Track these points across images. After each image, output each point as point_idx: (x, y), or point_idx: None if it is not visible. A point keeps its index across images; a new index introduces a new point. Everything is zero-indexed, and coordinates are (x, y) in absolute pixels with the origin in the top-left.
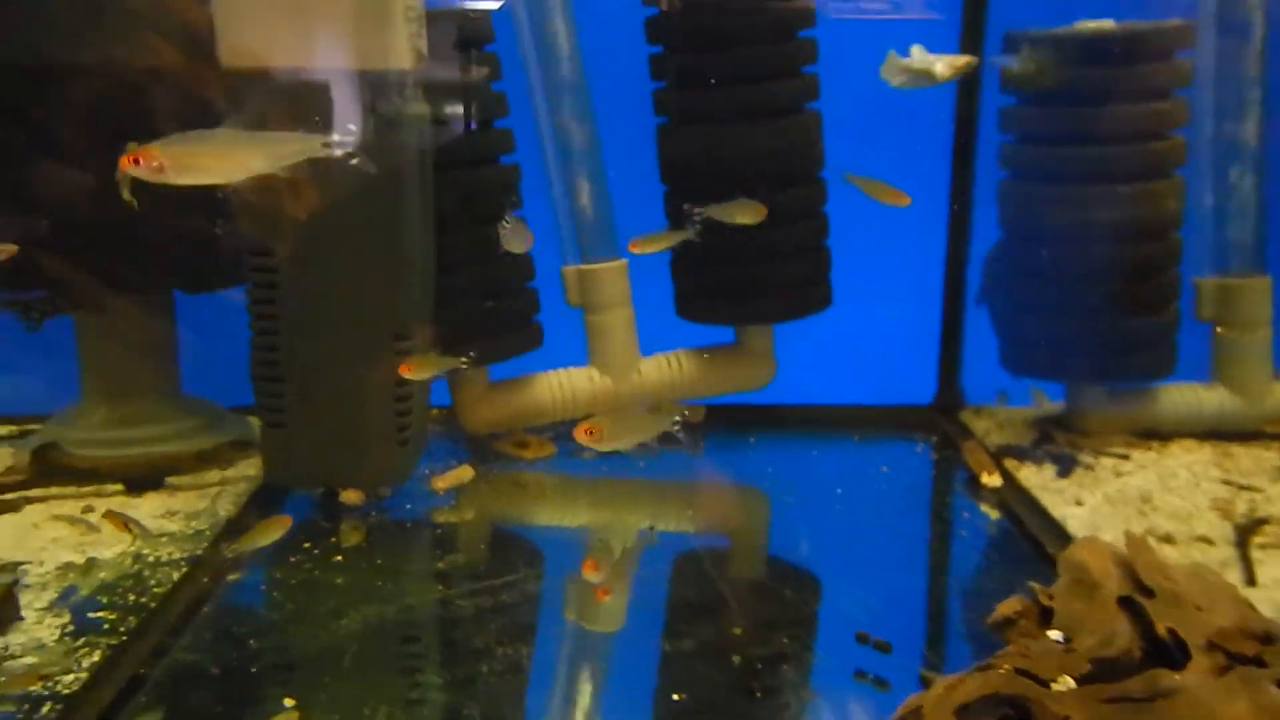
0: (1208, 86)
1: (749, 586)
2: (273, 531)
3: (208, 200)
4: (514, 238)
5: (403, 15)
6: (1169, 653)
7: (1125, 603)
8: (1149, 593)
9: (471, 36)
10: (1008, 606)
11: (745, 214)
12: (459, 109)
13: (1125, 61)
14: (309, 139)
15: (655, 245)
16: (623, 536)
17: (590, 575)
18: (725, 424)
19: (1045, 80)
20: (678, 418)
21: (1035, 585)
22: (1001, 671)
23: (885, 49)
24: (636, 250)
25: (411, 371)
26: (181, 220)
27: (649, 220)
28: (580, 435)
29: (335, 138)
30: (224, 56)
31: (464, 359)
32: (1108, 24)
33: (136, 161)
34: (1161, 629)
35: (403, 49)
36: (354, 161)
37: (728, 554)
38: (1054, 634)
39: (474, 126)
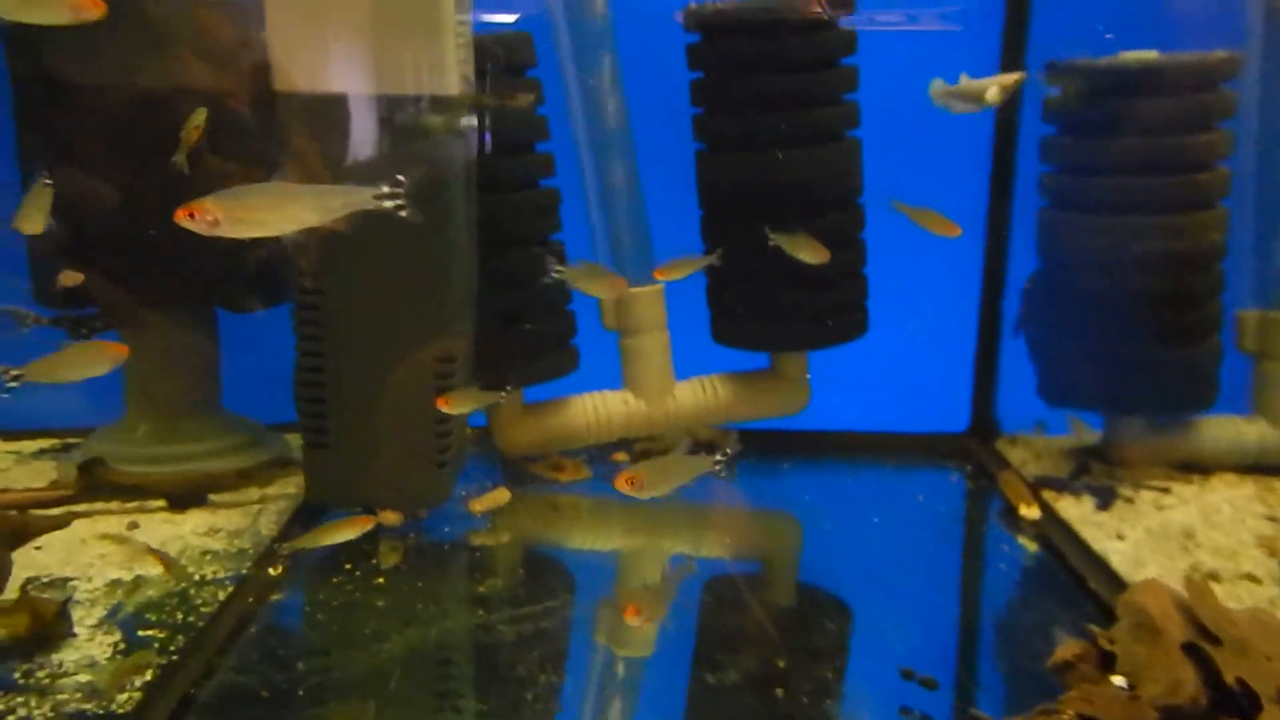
0: (1253, 118)
1: (788, 616)
2: (348, 531)
3: None
4: (589, 279)
5: (453, 41)
6: (1237, 702)
7: (1190, 649)
8: (1214, 639)
9: (516, 61)
10: (1068, 650)
11: (808, 252)
12: (502, 132)
13: (1169, 92)
14: (359, 192)
15: (682, 271)
16: (657, 562)
17: (633, 621)
18: (758, 449)
19: (1089, 110)
20: (719, 457)
21: (1094, 628)
22: (1066, 717)
23: (913, 64)
24: (663, 277)
25: (449, 406)
26: (229, 241)
27: (686, 245)
28: (621, 485)
29: (385, 189)
30: (277, 80)
31: (502, 393)
32: (1151, 55)
33: (191, 215)
34: (1230, 678)
35: (451, 74)
36: (403, 213)
37: (764, 581)
38: (1118, 680)
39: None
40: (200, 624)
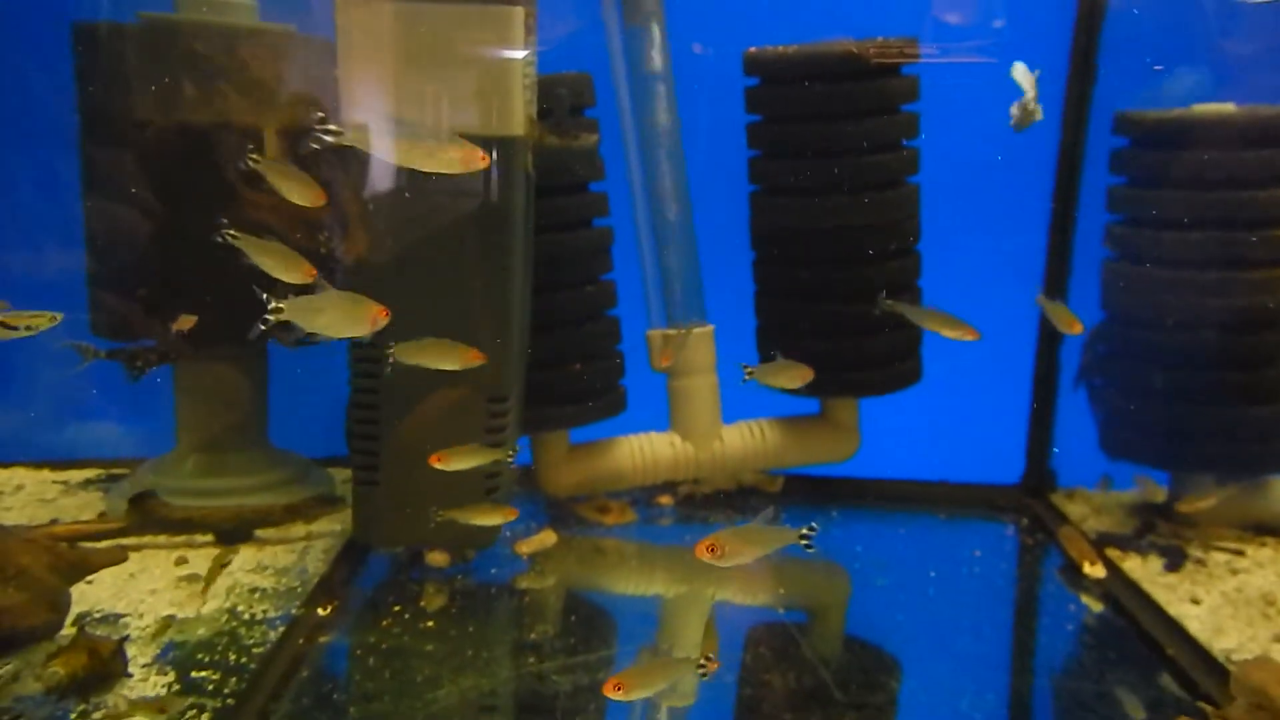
0: None
1: (846, 672)
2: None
3: (308, 258)
4: (782, 374)
5: (520, 83)
6: None
7: None
8: None
9: (577, 102)
10: None
11: (943, 326)
12: (562, 170)
13: (1247, 146)
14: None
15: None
16: (700, 608)
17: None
18: (803, 495)
19: (1160, 162)
20: (805, 531)
21: (1207, 707)
22: None
23: (973, 109)
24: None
25: (443, 462)
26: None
27: (737, 287)
28: (702, 553)
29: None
30: (344, 116)
31: (510, 452)
32: (1228, 107)
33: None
34: None
35: (519, 116)
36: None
37: (820, 635)
38: None
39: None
40: (252, 665)
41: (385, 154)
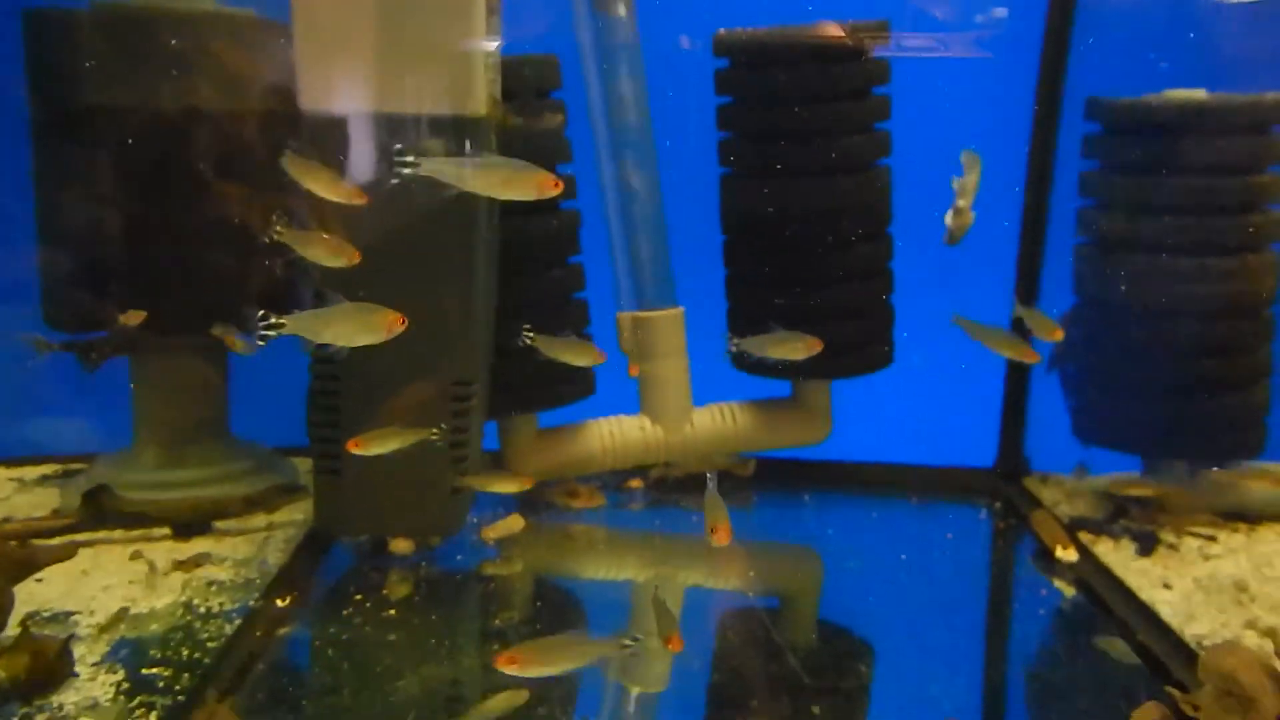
0: None
1: (816, 657)
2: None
3: (267, 242)
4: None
5: (483, 61)
6: None
7: None
8: None
9: (543, 84)
10: (1145, 715)
11: (1009, 350)
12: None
13: (1221, 133)
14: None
15: None
16: (672, 594)
17: (678, 650)
18: (776, 479)
19: (1134, 147)
20: (628, 642)
21: (1175, 692)
22: None
23: (943, 92)
24: None
25: (360, 447)
26: (240, 262)
27: (707, 270)
28: (502, 664)
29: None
30: (303, 99)
31: (434, 431)
32: (1199, 93)
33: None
34: None
35: (480, 95)
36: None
37: (789, 620)
38: None
39: None
40: (206, 660)
41: (461, 183)
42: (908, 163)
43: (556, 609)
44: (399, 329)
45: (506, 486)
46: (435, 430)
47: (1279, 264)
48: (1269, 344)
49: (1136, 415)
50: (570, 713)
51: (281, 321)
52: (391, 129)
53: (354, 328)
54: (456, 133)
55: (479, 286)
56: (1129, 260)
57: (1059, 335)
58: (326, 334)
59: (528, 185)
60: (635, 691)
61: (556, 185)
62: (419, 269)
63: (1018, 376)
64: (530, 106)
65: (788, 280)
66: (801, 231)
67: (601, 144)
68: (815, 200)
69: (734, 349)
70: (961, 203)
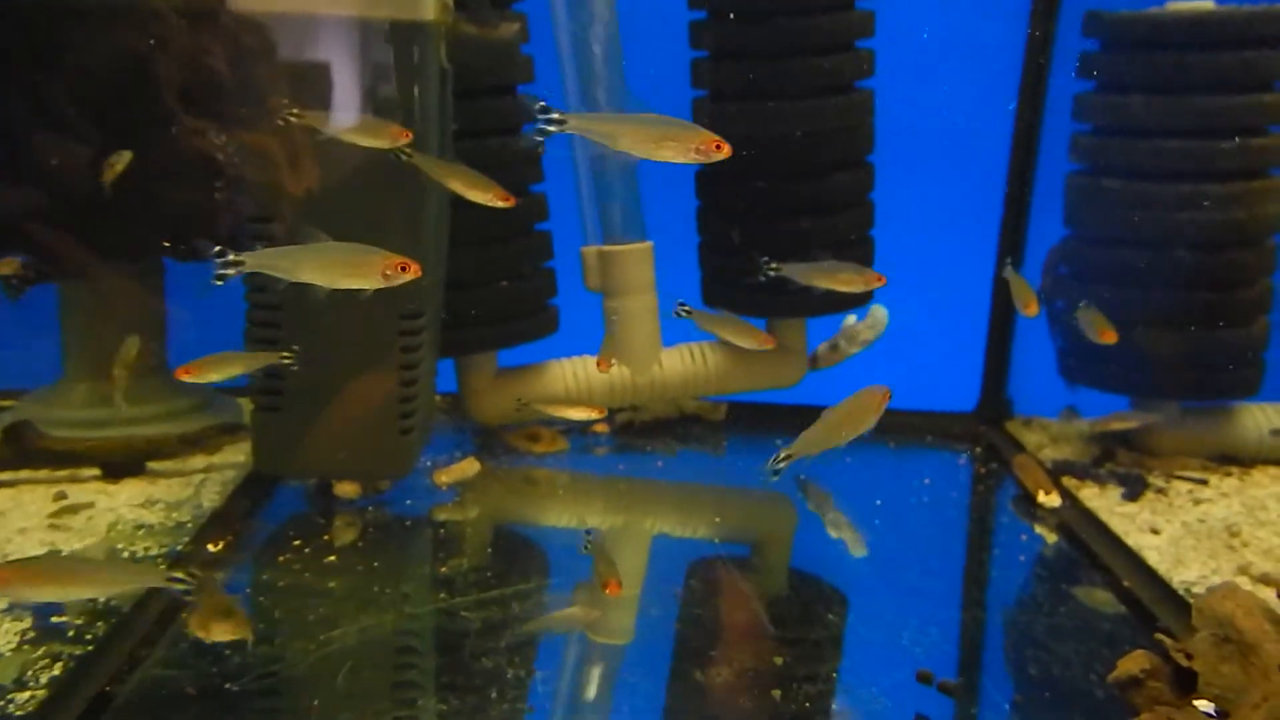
0: None
1: (785, 607)
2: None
3: (202, 165)
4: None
5: None
6: None
7: None
8: None
9: None
10: (1134, 663)
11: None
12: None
13: (1225, 48)
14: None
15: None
16: (640, 541)
17: (616, 594)
18: (747, 423)
19: (1132, 65)
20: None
21: (1166, 639)
22: None
23: (936, 13)
24: None
25: (192, 374)
26: (173, 185)
27: (679, 202)
28: None
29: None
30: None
31: (285, 354)
32: (1206, 5)
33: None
34: None
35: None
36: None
37: (758, 568)
38: (1203, 705)
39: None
40: (124, 608)
41: (610, 142)
42: (894, 87)
43: (509, 555)
44: (400, 276)
45: (583, 414)
46: (286, 353)
47: None
48: (1269, 277)
49: (1126, 352)
50: (530, 667)
51: (240, 259)
52: (326, 35)
53: (338, 270)
54: (399, 40)
55: (426, 208)
56: (1122, 188)
57: (1034, 311)
58: (302, 273)
59: (685, 145)
60: (600, 642)
61: (720, 148)
62: (363, 192)
63: (1002, 315)
64: (485, 14)
65: (761, 212)
66: (777, 159)
67: (566, 61)
68: (790, 124)
69: (769, 273)
70: (843, 344)
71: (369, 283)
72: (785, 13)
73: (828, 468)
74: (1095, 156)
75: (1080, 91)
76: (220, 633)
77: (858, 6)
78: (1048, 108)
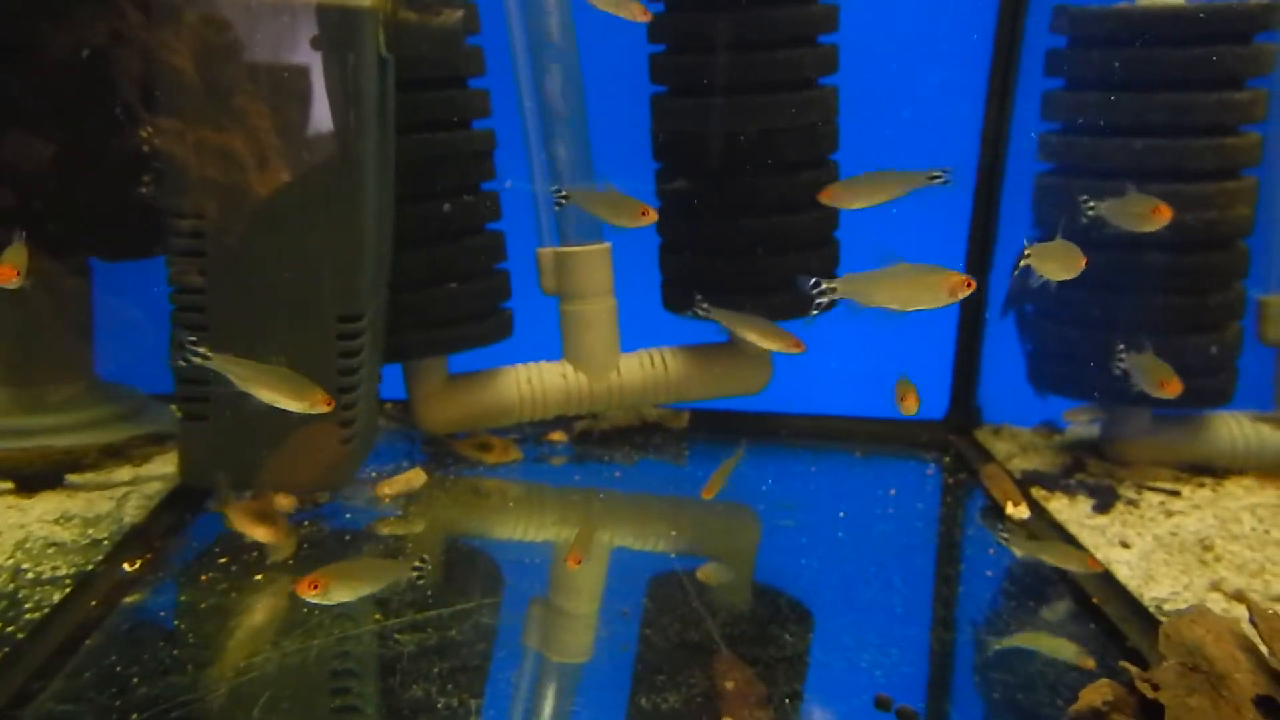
0: None
1: (741, 626)
2: None
3: (129, 159)
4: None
5: None
6: None
7: (1265, 705)
8: None
9: None
10: (1096, 693)
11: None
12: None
13: (1196, 43)
14: None
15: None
16: (595, 555)
17: (571, 566)
18: (709, 431)
19: (1101, 62)
20: (418, 564)
21: (1131, 668)
22: None
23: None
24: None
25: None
26: (98, 180)
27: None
28: (303, 590)
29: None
30: None
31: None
32: (1177, 0)
33: None
34: None
35: None
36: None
37: (714, 585)
38: None
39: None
40: (20, 635)
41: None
42: (858, 82)
43: (451, 572)
44: (965, 292)
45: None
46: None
47: (1256, 192)
48: (1241, 281)
49: (1097, 359)
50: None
51: (833, 285)
52: (255, 21)
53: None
54: (331, 26)
55: (365, 205)
56: (1092, 187)
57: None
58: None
59: (939, 291)
60: (557, 661)
61: (970, 285)
62: (296, 182)
63: (971, 322)
64: (427, 1)
65: (724, 211)
66: (740, 156)
67: (519, 54)
68: (753, 121)
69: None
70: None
71: (937, 301)
72: (747, 5)
73: (791, 477)
74: (1063, 156)
75: (1048, 89)
76: (260, 533)
77: (821, 1)
78: (1016, 106)
